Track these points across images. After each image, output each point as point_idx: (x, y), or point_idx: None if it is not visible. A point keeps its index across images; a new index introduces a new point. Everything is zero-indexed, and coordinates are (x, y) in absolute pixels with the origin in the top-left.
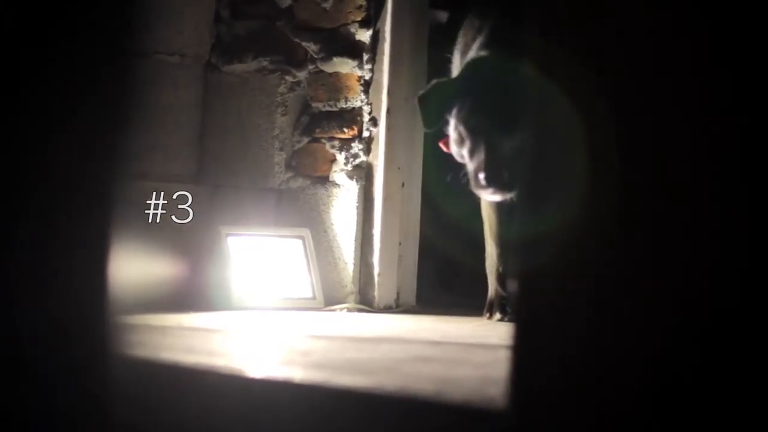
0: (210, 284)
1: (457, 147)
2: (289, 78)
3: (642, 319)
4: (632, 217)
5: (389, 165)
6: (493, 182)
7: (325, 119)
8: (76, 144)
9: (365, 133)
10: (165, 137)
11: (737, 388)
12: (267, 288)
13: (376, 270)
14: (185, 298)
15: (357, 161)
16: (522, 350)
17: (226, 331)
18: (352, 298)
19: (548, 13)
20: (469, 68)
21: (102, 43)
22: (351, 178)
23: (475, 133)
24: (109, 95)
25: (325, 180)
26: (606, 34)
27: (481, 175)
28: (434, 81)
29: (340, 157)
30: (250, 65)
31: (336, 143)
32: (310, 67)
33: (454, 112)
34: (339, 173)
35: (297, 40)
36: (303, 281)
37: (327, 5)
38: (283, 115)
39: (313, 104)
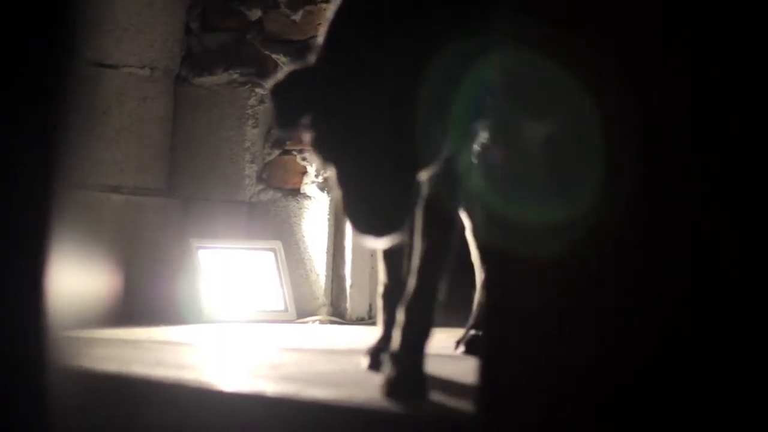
0: (181, 297)
1: (322, 160)
2: (259, 90)
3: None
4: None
5: None
6: (362, 229)
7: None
8: (15, 151)
9: None
10: (135, 150)
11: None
12: (238, 301)
13: (348, 282)
14: (155, 311)
15: (327, 173)
16: (489, 359)
17: (197, 344)
18: (324, 310)
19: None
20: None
21: (47, 53)
22: (322, 189)
23: (333, 160)
24: (48, 105)
25: (296, 192)
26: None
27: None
28: (289, 68)
29: (311, 169)
30: (221, 78)
31: (307, 155)
32: None
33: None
34: (310, 185)
35: (267, 52)
36: (275, 294)
37: (296, 17)
38: (253, 127)
39: None
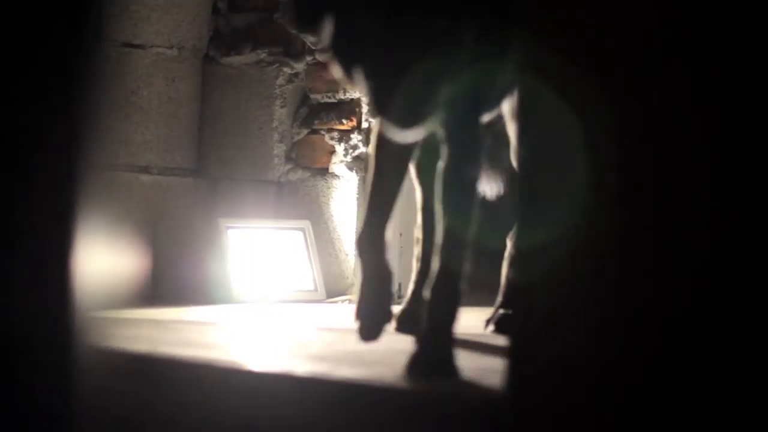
0: (210, 277)
1: (343, 64)
2: (287, 70)
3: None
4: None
5: None
6: (392, 120)
7: (324, 111)
8: (35, 134)
9: (364, 124)
10: (164, 130)
11: (730, 384)
12: (267, 281)
13: None
14: (185, 291)
15: (356, 152)
16: (519, 341)
17: (226, 324)
18: (353, 289)
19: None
20: None
21: (69, 32)
22: (351, 169)
23: (357, 58)
24: (74, 84)
25: (324, 171)
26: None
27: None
28: None
29: (340, 148)
30: (248, 57)
31: (335, 134)
32: (308, 58)
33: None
34: (338, 165)
35: (295, 31)
36: (304, 273)
37: None
38: (281, 107)
39: (312, 96)
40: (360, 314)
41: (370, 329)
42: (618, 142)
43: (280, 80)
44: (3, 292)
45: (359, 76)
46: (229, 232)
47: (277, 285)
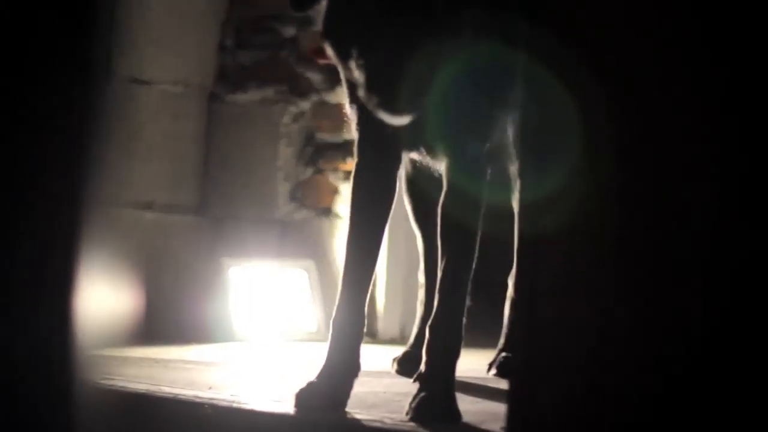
0: (212, 316)
1: (338, 47)
2: (292, 108)
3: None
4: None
5: None
6: (385, 105)
7: (329, 150)
8: (44, 167)
9: None
10: (168, 167)
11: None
12: (269, 320)
13: (380, 303)
14: (186, 330)
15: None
16: (520, 385)
17: (227, 363)
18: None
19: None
20: None
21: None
22: None
23: (351, 40)
24: (78, 120)
25: (329, 211)
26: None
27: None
28: None
29: (344, 188)
30: (254, 95)
31: (340, 174)
32: (314, 97)
33: None
34: (343, 205)
35: (301, 70)
36: (306, 313)
37: None
38: (287, 146)
39: (317, 135)
40: (307, 393)
41: (306, 405)
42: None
43: (286, 119)
44: (3, 328)
45: (352, 58)
46: (232, 270)
47: (278, 325)
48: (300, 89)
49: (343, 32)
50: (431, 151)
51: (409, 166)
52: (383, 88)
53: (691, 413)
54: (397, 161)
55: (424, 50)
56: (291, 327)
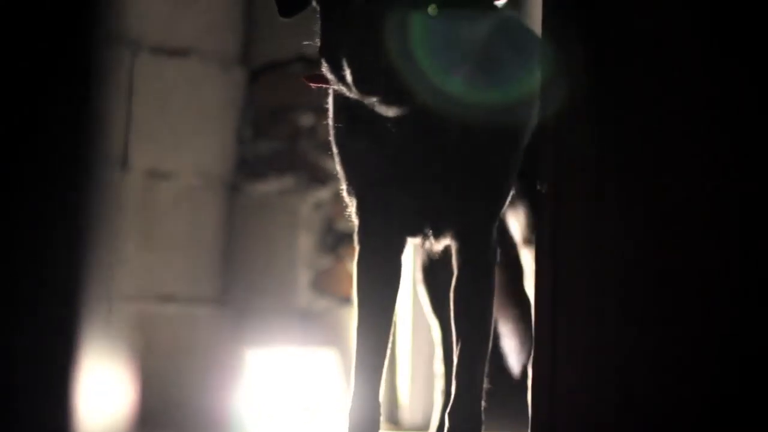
0: (234, 407)
1: (333, 57)
2: (312, 198)
3: None
4: None
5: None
6: (376, 76)
7: (349, 239)
8: (40, 265)
9: None
10: (189, 259)
11: None
12: (292, 410)
13: (403, 391)
14: (210, 421)
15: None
16: None
17: None
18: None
19: None
20: None
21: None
22: None
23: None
24: (85, 212)
25: (349, 300)
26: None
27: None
28: None
29: None
30: (273, 185)
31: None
32: (333, 186)
33: None
34: None
35: (319, 159)
36: (329, 402)
37: None
38: (307, 235)
39: (337, 224)
40: None
41: None
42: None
43: (305, 208)
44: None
45: (346, 65)
46: (254, 360)
47: (301, 415)
48: (319, 178)
49: (338, 41)
50: (438, 235)
51: (424, 256)
52: (383, 73)
53: None
54: (401, 246)
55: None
56: (314, 415)
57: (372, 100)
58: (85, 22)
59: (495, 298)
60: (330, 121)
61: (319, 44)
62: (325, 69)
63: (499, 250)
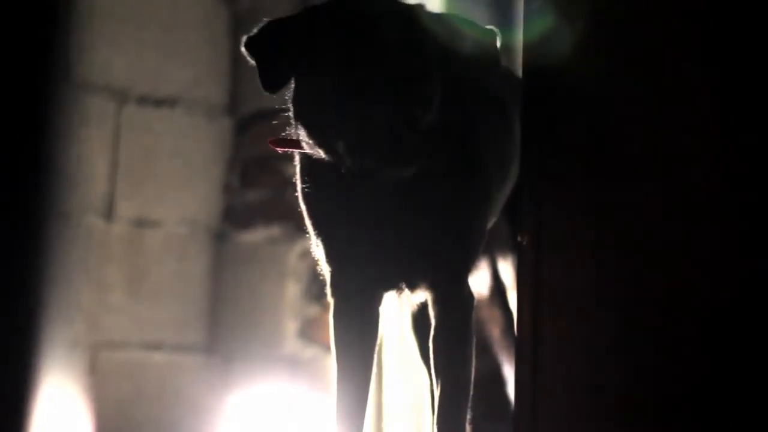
0: None
1: (311, 124)
2: (298, 247)
3: None
4: None
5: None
6: (378, 163)
7: None
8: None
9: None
10: (176, 308)
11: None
12: None
13: None
14: None
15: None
16: None
17: None
18: None
19: None
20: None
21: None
22: None
23: (343, 91)
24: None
25: None
26: None
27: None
28: (265, 20)
29: None
30: (261, 234)
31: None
32: None
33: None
34: None
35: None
36: None
37: None
38: (294, 283)
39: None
40: None
41: None
42: None
43: (292, 257)
44: None
45: (331, 133)
46: (241, 409)
47: None
48: (305, 227)
49: (319, 108)
50: (413, 288)
51: (413, 304)
52: (385, 140)
53: None
54: (376, 299)
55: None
56: None
57: (366, 170)
58: (39, 66)
59: (495, 342)
60: (297, 180)
61: (292, 108)
62: (300, 133)
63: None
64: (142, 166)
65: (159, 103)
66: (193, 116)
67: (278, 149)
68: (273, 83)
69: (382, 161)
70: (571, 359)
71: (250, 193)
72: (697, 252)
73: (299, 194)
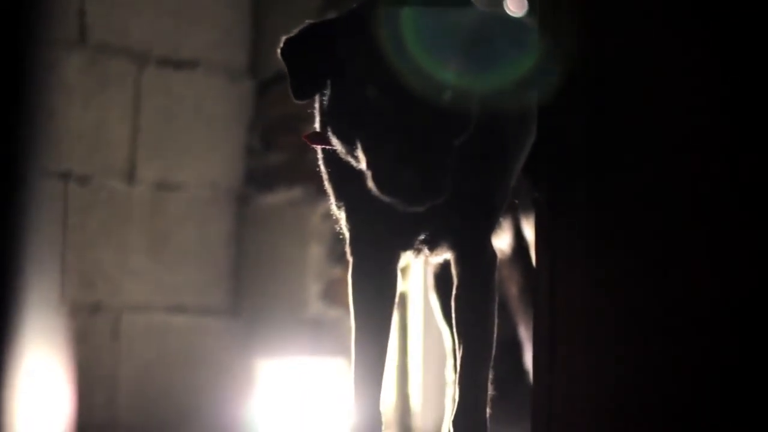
0: (247, 417)
1: (343, 135)
2: (321, 208)
3: None
4: None
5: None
6: (405, 193)
7: None
8: None
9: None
10: (199, 271)
11: None
12: (303, 420)
13: (415, 399)
14: (220, 430)
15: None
16: None
17: None
18: (391, 428)
19: None
20: (366, 5)
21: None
22: None
23: (377, 110)
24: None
25: None
26: None
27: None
28: (307, 22)
29: None
30: (283, 196)
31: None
32: None
33: (338, 75)
34: None
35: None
36: (340, 412)
37: None
38: (316, 245)
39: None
40: None
41: None
42: None
43: (315, 219)
44: None
45: (357, 150)
46: (265, 370)
47: (313, 425)
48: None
49: (350, 123)
50: (433, 248)
51: (436, 264)
52: (393, 183)
53: None
54: (395, 257)
55: (440, 141)
56: (325, 426)
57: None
58: (18, 22)
59: (512, 301)
60: (319, 154)
61: (327, 115)
62: (331, 137)
63: (498, 255)
64: (162, 130)
65: (179, 65)
66: (213, 78)
67: (311, 144)
68: (306, 90)
69: (407, 202)
70: (588, 360)
71: (272, 156)
72: (716, 252)
73: (319, 156)
